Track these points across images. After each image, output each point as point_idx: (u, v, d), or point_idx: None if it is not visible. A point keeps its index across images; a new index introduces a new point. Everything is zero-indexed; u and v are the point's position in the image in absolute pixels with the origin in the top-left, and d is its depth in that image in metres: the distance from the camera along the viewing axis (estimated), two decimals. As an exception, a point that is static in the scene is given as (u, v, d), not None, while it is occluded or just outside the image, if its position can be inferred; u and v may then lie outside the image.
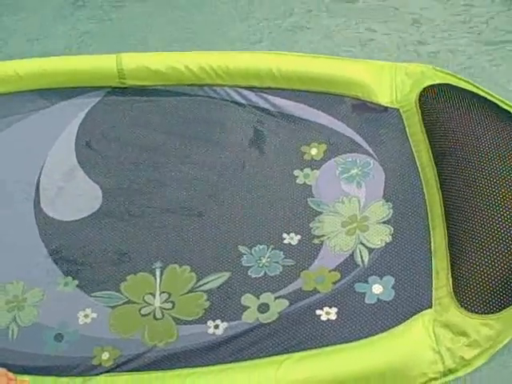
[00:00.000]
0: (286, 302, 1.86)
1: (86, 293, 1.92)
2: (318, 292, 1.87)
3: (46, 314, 1.88)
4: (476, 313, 1.73)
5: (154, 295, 1.90)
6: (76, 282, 1.94)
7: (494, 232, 1.81)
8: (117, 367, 1.77)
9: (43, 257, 2.00)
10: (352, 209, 2.05)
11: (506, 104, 2.12)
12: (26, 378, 1.75)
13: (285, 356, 1.74)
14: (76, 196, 2.14)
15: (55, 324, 1.85)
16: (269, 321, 1.83)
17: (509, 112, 2.08)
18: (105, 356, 1.78)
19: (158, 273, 1.95)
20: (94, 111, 2.32)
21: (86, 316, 1.87)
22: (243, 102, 2.31)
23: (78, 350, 1.81)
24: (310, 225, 2.03)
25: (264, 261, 1.96)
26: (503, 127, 2.00)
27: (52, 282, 1.94)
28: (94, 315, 1.87)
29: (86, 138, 2.26)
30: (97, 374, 1.76)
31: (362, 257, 1.94)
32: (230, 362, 1.76)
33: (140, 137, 2.27)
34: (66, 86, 2.34)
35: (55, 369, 1.77)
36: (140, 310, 1.87)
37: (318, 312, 1.83)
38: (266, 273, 1.93)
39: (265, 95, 2.30)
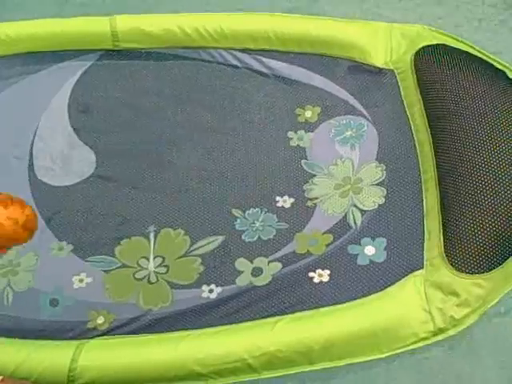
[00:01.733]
0: (280, 265, 1.88)
1: (80, 257, 1.93)
2: (311, 254, 1.89)
3: (40, 279, 1.89)
4: (466, 273, 1.74)
5: (148, 259, 1.92)
6: (70, 246, 1.95)
7: (485, 194, 1.81)
8: (112, 331, 1.79)
9: (38, 223, 1.99)
10: (345, 171, 2.05)
11: (501, 64, 2.09)
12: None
13: (278, 317, 1.76)
14: (70, 160, 2.13)
15: (50, 289, 1.87)
16: (262, 283, 1.84)
17: (504, 72, 2.06)
18: (100, 320, 1.81)
19: (151, 236, 1.96)
20: (87, 74, 2.30)
21: (81, 280, 1.88)
22: (238, 64, 2.29)
23: (73, 315, 1.83)
24: (304, 187, 2.03)
25: (258, 224, 1.97)
26: (498, 87, 1.99)
27: (46, 247, 1.95)
28: (89, 280, 1.89)
29: (79, 101, 2.25)
30: (92, 338, 1.78)
31: (354, 219, 1.94)
32: (225, 324, 1.78)
33: (134, 99, 2.25)
34: (59, 49, 2.32)
35: (51, 333, 1.80)
36: (134, 274, 1.89)
37: (311, 274, 1.84)
38: (259, 237, 1.94)
39: (259, 57, 2.28)
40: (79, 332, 1.79)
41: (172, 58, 2.32)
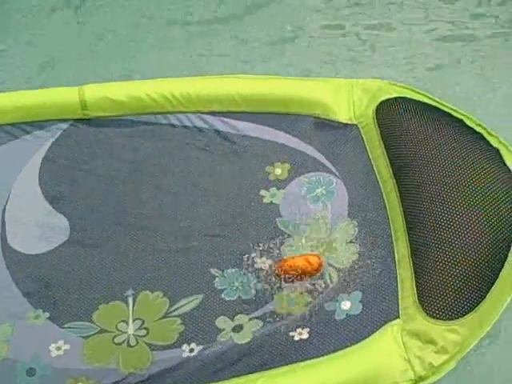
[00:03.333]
0: (260, 323, 1.89)
1: (57, 325, 1.91)
2: (291, 314, 1.90)
3: (16, 349, 1.86)
4: (441, 320, 1.77)
5: (127, 323, 1.91)
6: (47, 314, 1.93)
7: (453, 240, 1.87)
8: None
9: (12, 291, 1.98)
10: (320, 231, 2.09)
11: (459, 113, 2.19)
12: None
13: (260, 374, 1.77)
14: (43, 228, 2.14)
15: (27, 358, 1.84)
16: (243, 341, 1.85)
17: (462, 120, 2.16)
18: None
19: (130, 300, 1.96)
20: (57, 143, 2.33)
21: (59, 348, 1.86)
22: (206, 127, 2.35)
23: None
24: (281, 248, 2.06)
25: (237, 284, 1.99)
26: (457, 136, 2.09)
27: (22, 316, 1.93)
28: (67, 347, 1.86)
29: (51, 170, 2.27)
30: None
31: (330, 277, 1.98)
32: (206, 382, 1.78)
33: (105, 167, 2.28)
34: (29, 120, 2.35)
35: None
36: (114, 339, 1.88)
37: (291, 334, 1.86)
38: (239, 296, 1.96)
39: (226, 119, 2.34)
40: None
41: (141, 124, 2.36)
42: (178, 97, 2.33)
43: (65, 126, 2.36)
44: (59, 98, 2.34)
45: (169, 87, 2.35)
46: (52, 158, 2.30)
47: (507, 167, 2.01)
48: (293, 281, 1.96)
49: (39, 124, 2.35)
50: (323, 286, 1.95)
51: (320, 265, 1.96)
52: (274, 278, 1.98)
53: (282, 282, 1.97)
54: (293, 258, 1.99)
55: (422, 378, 1.74)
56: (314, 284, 1.96)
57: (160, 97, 2.33)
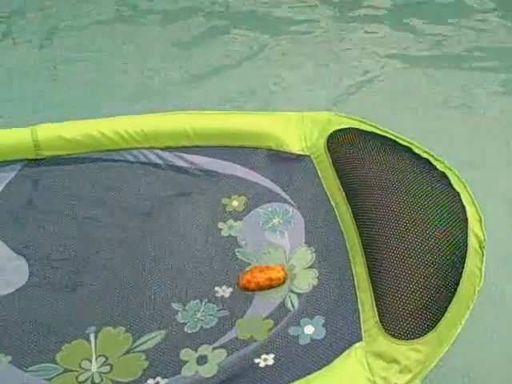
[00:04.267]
0: (224, 352, 1.89)
1: (20, 368, 1.87)
2: (255, 340, 1.92)
3: None
4: (403, 339, 1.82)
5: (90, 360, 1.89)
6: (9, 358, 1.89)
7: (409, 261, 1.93)
8: None
9: None
10: (279, 259, 2.13)
11: (405, 140, 2.29)
12: None
13: None
14: (1, 270, 2.10)
15: None
16: (209, 375, 1.84)
17: (409, 147, 2.25)
18: None
19: (92, 337, 1.94)
20: (11, 184, 2.31)
21: None
22: (161, 162, 2.37)
23: None
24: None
25: (199, 315, 1.99)
26: (405, 161, 2.19)
27: None
28: None
29: (7, 211, 2.25)
30: None
31: (292, 302, 2.01)
32: None
33: (60, 207, 2.28)
34: None
35: None
36: (77, 378, 1.85)
37: (257, 360, 1.87)
38: (201, 326, 1.96)
39: (181, 154, 2.38)
40: None
41: (94, 161, 2.37)
42: (132, 133, 2.35)
43: (19, 166, 2.34)
44: (12, 140, 2.33)
45: (121, 124, 2.37)
46: (6, 200, 2.28)
47: (454, 188, 2.11)
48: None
49: None
50: (285, 311, 1.98)
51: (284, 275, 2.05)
52: (235, 304, 2.02)
53: (245, 307, 2.01)
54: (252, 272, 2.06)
55: None
56: (275, 310, 1.99)
57: (114, 134, 2.35)
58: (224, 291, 2.05)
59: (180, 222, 2.23)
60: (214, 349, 1.90)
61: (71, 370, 1.87)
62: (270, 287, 2.04)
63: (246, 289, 2.04)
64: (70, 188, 2.32)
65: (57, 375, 1.86)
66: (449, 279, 1.90)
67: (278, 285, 2.04)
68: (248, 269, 2.10)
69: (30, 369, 1.87)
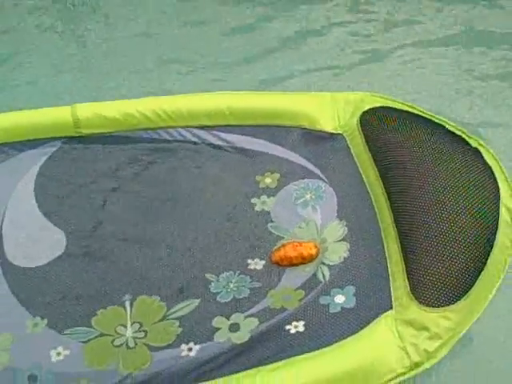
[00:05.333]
0: (256, 321, 1.93)
1: (56, 331, 1.94)
2: (286, 309, 1.95)
3: (17, 358, 1.88)
4: (433, 307, 1.83)
5: (125, 326, 1.94)
6: (45, 321, 1.96)
7: (440, 232, 1.95)
8: None
9: (10, 302, 2.01)
10: (310, 233, 2.17)
11: (439, 119, 2.30)
12: None
13: (257, 369, 1.80)
14: (39, 242, 2.18)
15: (28, 366, 1.86)
16: (241, 341, 1.88)
17: (442, 125, 2.26)
18: None
19: (127, 305, 2.00)
20: (51, 160, 2.40)
21: (59, 354, 1.88)
22: (197, 140, 2.44)
23: None
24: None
25: (232, 286, 2.04)
26: (439, 139, 2.20)
27: (21, 325, 1.96)
28: (67, 352, 1.89)
29: (45, 186, 2.33)
30: None
31: (323, 274, 2.04)
32: (205, 379, 1.80)
33: (98, 182, 2.36)
34: (24, 139, 2.42)
35: None
36: (113, 342, 1.91)
37: (287, 327, 1.90)
38: (234, 296, 2.01)
39: (216, 132, 2.43)
40: None
41: (133, 139, 2.45)
42: (169, 113, 2.42)
43: (58, 143, 2.43)
44: (52, 118, 2.42)
45: (159, 104, 2.43)
46: (46, 174, 2.36)
47: (487, 164, 2.11)
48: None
49: (33, 143, 2.42)
50: (316, 282, 2.01)
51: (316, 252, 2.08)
52: (267, 276, 2.05)
53: (277, 279, 2.04)
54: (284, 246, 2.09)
55: (417, 365, 1.79)
56: (307, 281, 2.02)
57: (151, 113, 2.42)
58: (256, 264, 2.09)
59: (215, 198, 2.28)
60: (246, 317, 1.94)
61: (107, 335, 1.93)
62: (302, 264, 2.07)
63: (278, 265, 2.07)
64: (108, 164, 2.40)
65: (92, 338, 1.92)
66: (480, 250, 1.91)
67: (310, 261, 2.07)
68: (280, 244, 2.13)
69: (66, 332, 1.94)
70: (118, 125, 2.43)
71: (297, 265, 2.06)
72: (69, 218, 2.25)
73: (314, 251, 2.07)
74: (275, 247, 2.12)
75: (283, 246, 2.11)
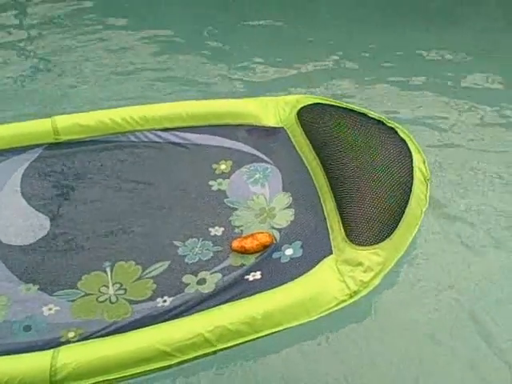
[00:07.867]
0: (220, 275, 2.27)
1: (47, 293, 2.24)
2: (244, 265, 2.31)
3: (13, 313, 2.16)
4: (365, 245, 2.23)
5: (107, 286, 2.26)
6: (37, 286, 2.26)
7: (367, 189, 2.38)
8: (83, 339, 2.06)
9: (5, 274, 2.31)
10: (261, 203, 2.56)
11: (360, 109, 2.77)
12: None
13: (224, 305, 2.12)
14: (27, 226, 2.49)
15: (23, 318, 2.14)
16: (208, 291, 2.21)
17: (364, 113, 2.73)
18: (71, 334, 2.09)
19: (108, 270, 2.32)
20: (35, 163, 2.73)
21: (50, 309, 2.18)
22: (160, 140, 2.82)
23: (46, 334, 2.09)
24: (230, 219, 2.50)
25: (197, 249, 2.39)
26: (359, 121, 2.67)
27: (15, 290, 2.25)
28: (57, 308, 2.18)
29: (30, 183, 2.66)
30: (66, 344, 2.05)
31: (274, 237, 2.40)
32: (179, 318, 2.12)
33: (77, 178, 2.69)
34: (8, 147, 2.75)
35: (28, 348, 2.04)
36: (97, 299, 2.22)
37: (246, 277, 2.25)
38: (200, 258, 2.35)
39: (177, 133, 2.83)
40: (54, 344, 2.04)
41: (106, 142, 2.80)
42: (136, 119, 2.80)
43: (40, 149, 2.77)
44: (34, 128, 2.77)
45: (128, 112, 2.83)
46: (31, 174, 2.69)
47: (400, 137, 2.58)
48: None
49: (17, 150, 2.75)
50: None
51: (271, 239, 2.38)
52: (227, 243, 2.40)
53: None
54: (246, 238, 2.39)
55: (355, 293, 2.15)
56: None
57: (121, 120, 2.80)
58: (217, 231, 2.45)
59: (180, 184, 2.65)
60: (212, 273, 2.29)
61: (91, 294, 2.24)
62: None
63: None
64: (85, 164, 2.74)
65: (79, 298, 2.22)
66: (400, 201, 2.34)
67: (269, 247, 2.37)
68: (236, 232, 2.46)
69: (56, 293, 2.24)
70: (92, 131, 2.79)
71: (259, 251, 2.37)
72: (52, 205, 2.57)
73: (269, 239, 2.37)
74: (234, 237, 2.43)
75: (240, 239, 2.39)
